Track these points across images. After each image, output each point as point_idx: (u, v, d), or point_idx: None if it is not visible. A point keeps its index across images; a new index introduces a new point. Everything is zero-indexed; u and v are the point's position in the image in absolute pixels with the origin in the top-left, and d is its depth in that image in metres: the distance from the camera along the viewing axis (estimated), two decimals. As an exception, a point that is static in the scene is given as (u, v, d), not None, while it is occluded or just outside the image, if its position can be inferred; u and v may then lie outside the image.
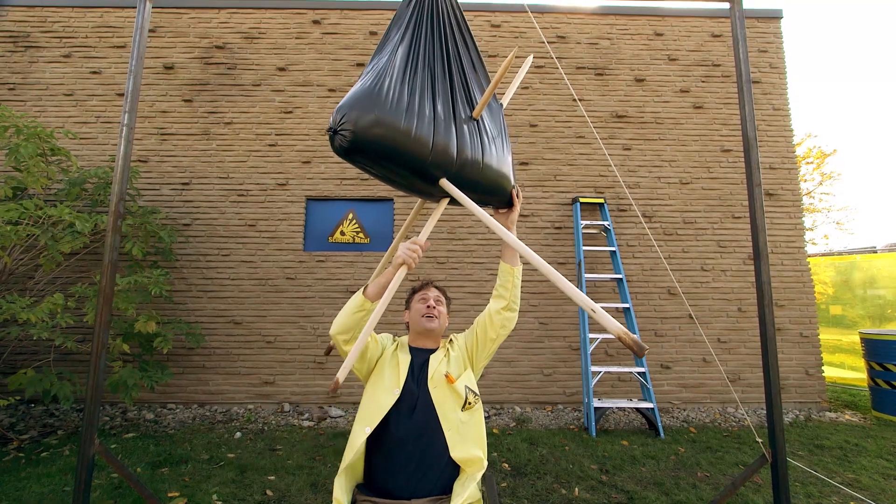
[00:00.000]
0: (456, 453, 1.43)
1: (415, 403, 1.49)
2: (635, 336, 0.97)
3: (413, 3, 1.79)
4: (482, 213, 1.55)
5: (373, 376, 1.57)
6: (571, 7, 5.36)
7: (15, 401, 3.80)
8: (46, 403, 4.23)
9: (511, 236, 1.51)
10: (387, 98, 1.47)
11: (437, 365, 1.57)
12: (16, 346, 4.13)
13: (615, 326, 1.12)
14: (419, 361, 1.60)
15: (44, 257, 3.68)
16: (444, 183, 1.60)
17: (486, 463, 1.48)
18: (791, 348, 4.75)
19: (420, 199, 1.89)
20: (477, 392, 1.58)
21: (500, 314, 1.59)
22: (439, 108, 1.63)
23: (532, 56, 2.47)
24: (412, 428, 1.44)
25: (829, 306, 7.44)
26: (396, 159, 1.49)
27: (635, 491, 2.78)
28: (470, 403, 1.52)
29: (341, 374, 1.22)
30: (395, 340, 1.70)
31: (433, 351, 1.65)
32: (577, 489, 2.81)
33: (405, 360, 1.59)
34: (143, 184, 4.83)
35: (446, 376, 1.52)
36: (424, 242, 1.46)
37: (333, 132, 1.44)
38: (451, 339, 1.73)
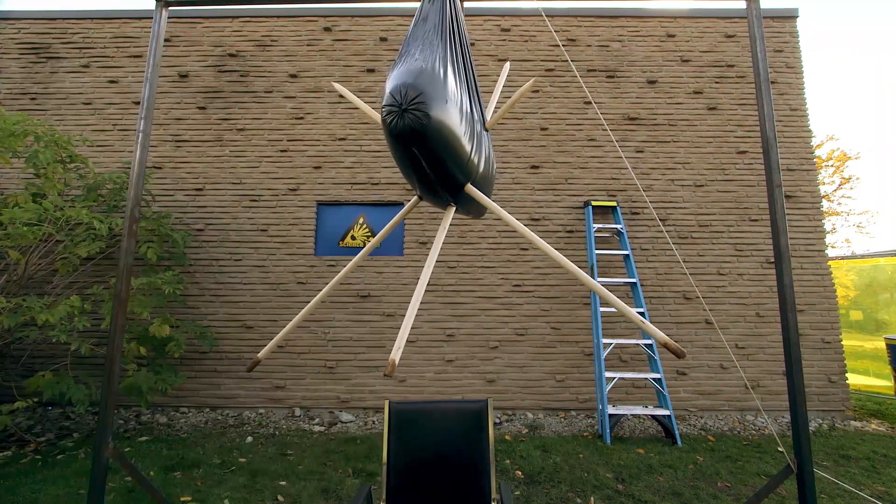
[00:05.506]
0: None
1: None
2: (675, 344, 1.04)
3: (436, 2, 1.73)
4: (508, 217, 1.48)
5: None
6: (582, 10, 5.33)
7: (33, 403, 3.86)
8: (63, 406, 4.29)
9: (543, 243, 1.42)
10: (448, 89, 1.34)
11: None
12: (34, 349, 4.21)
13: (660, 335, 1.16)
14: None
15: (60, 261, 3.75)
16: (470, 188, 1.55)
17: None
18: (812, 355, 4.60)
19: (415, 199, 1.81)
20: None
21: None
22: (476, 113, 1.59)
23: (508, 63, 2.46)
24: None
25: (850, 311, 7.21)
26: (444, 155, 1.37)
27: (653, 501, 2.70)
28: None
29: (396, 355, 1.12)
30: None
31: None
32: (592, 498, 2.74)
33: None
34: (158, 189, 4.90)
35: None
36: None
37: (401, 109, 1.21)
38: None
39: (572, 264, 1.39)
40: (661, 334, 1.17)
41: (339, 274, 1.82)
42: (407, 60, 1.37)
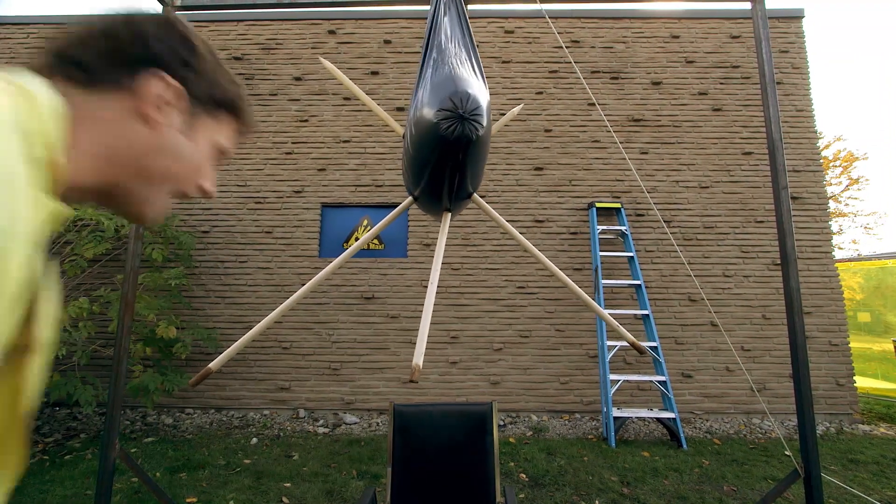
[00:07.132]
0: None
1: None
2: (640, 344, 1.30)
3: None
4: (506, 224, 1.59)
5: None
6: (586, 11, 5.32)
7: (41, 403, 3.89)
8: (70, 407, 4.33)
9: (541, 255, 1.55)
10: (489, 105, 1.40)
11: None
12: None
13: (628, 336, 1.49)
14: None
15: (68, 263, 3.78)
16: (476, 197, 1.66)
17: None
18: (820, 357, 4.56)
19: (409, 200, 1.80)
20: None
21: None
22: None
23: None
24: None
25: (858, 313, 7.14)
26: (476, 166, 1.44)
27: (658, 505, 2.69)
28: None
29: (419, 360, 1.11)
30: None
31: None
32: (597, 502, 2.73)
33: None
34: (164, 192, 4.94)
35: None
36: None
37: (461, 117, 1.21)
38: None
39: (551, 262, 1.56)
40: (628, 335, 1.48)
41: (314, 279, 1.71)
42: (456, 67, 1.36)
